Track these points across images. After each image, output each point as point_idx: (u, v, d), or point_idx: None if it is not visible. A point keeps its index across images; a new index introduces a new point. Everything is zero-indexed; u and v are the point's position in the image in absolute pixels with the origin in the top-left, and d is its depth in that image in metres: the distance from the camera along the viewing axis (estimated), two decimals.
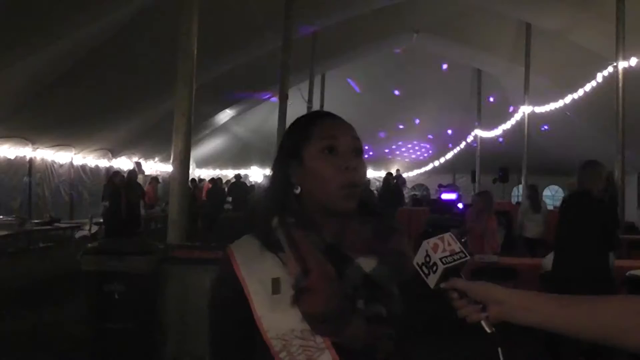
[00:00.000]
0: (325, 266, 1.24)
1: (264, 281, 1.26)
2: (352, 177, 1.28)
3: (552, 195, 23.87)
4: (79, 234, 11.45)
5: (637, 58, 9.63)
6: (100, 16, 8.51)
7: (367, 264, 1.27)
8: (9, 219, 10.04)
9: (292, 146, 1.35)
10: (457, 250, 1.18)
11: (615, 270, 4.84)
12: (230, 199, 17.28)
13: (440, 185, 18.64)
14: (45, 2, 7.48)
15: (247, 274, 1.28)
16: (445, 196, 15.41)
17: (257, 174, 24.69)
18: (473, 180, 19.91)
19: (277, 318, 1.23)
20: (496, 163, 18.52)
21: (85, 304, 5.25)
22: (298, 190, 1.33)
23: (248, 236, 1.35)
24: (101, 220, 11.66)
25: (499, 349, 1.10)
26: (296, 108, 13.72)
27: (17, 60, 8.38)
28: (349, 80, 20.06)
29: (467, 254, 1.18)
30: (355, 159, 1.31)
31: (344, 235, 1.31)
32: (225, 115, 18.98)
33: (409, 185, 22.38)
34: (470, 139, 20.84)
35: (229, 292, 1.29)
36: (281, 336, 1.22)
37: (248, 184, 19.82)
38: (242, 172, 21.82)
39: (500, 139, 18.69)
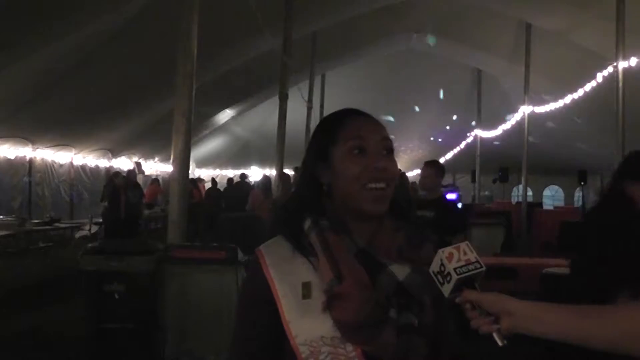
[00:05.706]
0: (358, 272, 1.20)
1: (294, 285, 1.22)
2: (380, 176, 1.24)
3: (552, 195, 23.85)
4: (79, 234, 11.45)
5: (637, 58, 9.62)
6: (100, 16, 8.50)
7: (400, 271, 1.23)
8: (9, 219, 10.04)
9: (320, 147, 1.31)
10: (473, 260, 1.15)
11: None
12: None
13: None
14: (44, 2, 7.48)
15: (277, 276, 1.24)
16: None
17: (257, 174, 24.66)
18: (473, 180, 19.89)
19: (306, 323, 1.19)
20: (496, 163, 18.50)
21: (85, 304, 5.25)
22: (326, 191, 1.29)
23: (278, 238, 1.31)
24: (101, 220, 11.66)
25: None
26: (296, 108, 13.81)
27: (17, 60, 8.38)
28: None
29: (482, 265, 1.15)
30: (385, 158, 1.26)
31: (376, 239, 1.27)
32: (225, 115, 18.95)
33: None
34: (470, 139, 20.82)
35: (257, 294, 1.25)
36: (309, 342, 1.18)
37: (248, 184, 19.73)
38: (242, 172, 21.75)
39: (496, 142, 18.71)
